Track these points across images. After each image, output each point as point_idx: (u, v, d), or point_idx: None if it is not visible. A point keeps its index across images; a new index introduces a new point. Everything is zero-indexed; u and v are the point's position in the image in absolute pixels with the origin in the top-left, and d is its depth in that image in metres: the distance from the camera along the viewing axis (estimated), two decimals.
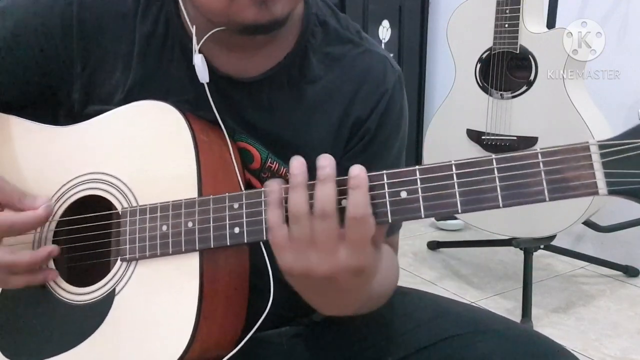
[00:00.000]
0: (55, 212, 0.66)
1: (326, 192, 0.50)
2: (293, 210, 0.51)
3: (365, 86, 0.72)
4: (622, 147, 0.44)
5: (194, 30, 0.65)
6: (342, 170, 0.72)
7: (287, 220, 0.52)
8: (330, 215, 0.50)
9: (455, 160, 0.49)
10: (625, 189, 0.44)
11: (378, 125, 0.73)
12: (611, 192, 0.45)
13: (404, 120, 0.77)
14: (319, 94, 0.71)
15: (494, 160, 0.48)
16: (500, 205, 0.48)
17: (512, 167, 0.47)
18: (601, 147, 0.45)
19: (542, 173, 0.47)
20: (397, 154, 0.76)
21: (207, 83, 0.66)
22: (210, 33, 0.64)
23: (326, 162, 0.51)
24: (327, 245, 0.51)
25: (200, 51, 0.65)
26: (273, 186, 0.52)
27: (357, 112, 0.72)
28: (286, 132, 0.70)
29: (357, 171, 0.50)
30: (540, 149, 0.47)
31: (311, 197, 0.51)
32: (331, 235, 0.50)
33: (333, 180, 0.51)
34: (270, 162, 0.70)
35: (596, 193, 0.45)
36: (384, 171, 0.51)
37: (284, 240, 0.52)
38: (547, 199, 0.46)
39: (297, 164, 0.52)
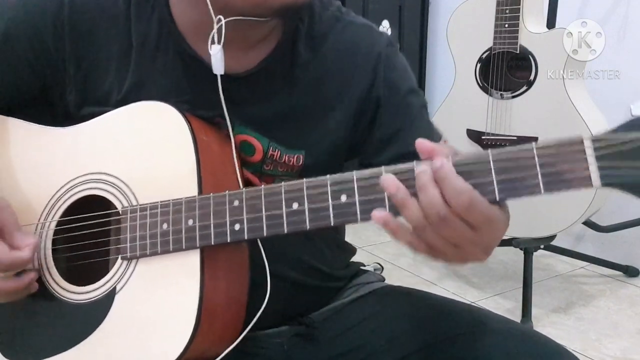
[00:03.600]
0: (56, 212, 0.67)
1: (431, 196, 0.49)
2: (416, 225, 0.50)
3: (358, 57, 0.73)
4: (615, 141, 0.45)
5: (215, 20, 0.64)
6: (376, 142, 0.72)
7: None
8: (449, 217, 0.50)
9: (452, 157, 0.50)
10: (618, 181, 0.46)
11: (386, 89, 0.73)
12: (605, 185, 0.46)
13: (409, 74, 0.77)
14: (312, 76, 0.72)
15: (490, 155, 0.49)
16: (497, 198, 0.49)
17: (508, 162, 0.48)
18: (594, 141, 0.46)
19: (538, 167, 0.47)
20: (419, 109, 0.76)
21: (208, 71, 0.65)
22: (227, 19, 0.63)
23: (443, 161, 0.49)
24: (463, 239, 0.50)
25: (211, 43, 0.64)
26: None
27: (359, 85, 0.72)
28: (285, 118, 0.71)
29: (439, 163, 0.49)
30: (536, 143, 0.48)
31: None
32: (463, 231, 0.50)
33: (433, 182, 0.49)
34: (272, 151, 0.71)
35: (590, 186, 0.46)
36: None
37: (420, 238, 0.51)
38: (543, 192, 0.48)
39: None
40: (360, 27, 0.75)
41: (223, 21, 0.63)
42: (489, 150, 0.49)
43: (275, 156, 0.71)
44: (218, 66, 0.64)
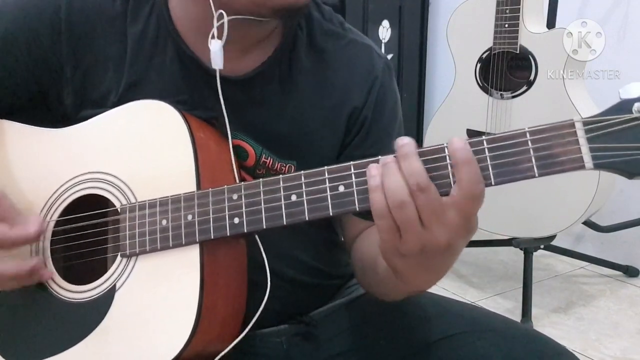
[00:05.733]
0: (54, 212, 0.67)
1: (413, 165, 0.49)
2: (393, 195, 0.49)
3: (355, 77, 0.73)
4: (606, 123, 0.47)
5: (216, 15, 0.64)
6: (349, 161, 0.73)
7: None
8: (427, 186, 0.49)
9: (446, 144, 0.50)
10: (610, 162, 0.47)
11: (374, 113, 0.73)
12: (597, 166, 0.47)
13: (398, 106, 0.78)
14: (309, 85, 0.72)
15: (484, 141, 0.50)
16: (493, 183, 0.49)
17: (502, 147, 0.49)
18: (585, 123, 0.48)
19: (531, 150, 0.48)
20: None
21: (204, 73, 0.66)
22: (229, 18, 0.63)
23: (406, 140, 0.50)
24: (434, 216, 0.49)
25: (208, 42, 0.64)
26: (374, 170, 0.51)
27: (352, 101, 0.73)
28: (279, 125, 0.71)
29: (461, 144, 0.49)
30: (528, 127, 0.49)
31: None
32: (434, 205, 0.49)
33: (415, 154, 0.50)
34: (264, 158, 0.71)
35: (583, 167, 0.47)
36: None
37: (395, 225, 0.50)
38: (537, 174, 0.48)
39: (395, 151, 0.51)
40: (361, 46, 0.76)
41: (225, 18, 0.63)
42: (483, 137, 0.50)
43: (267, 163, 0.71)
44: (217, 61, 0.65)
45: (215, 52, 0.64)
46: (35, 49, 0.68)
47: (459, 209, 0.49)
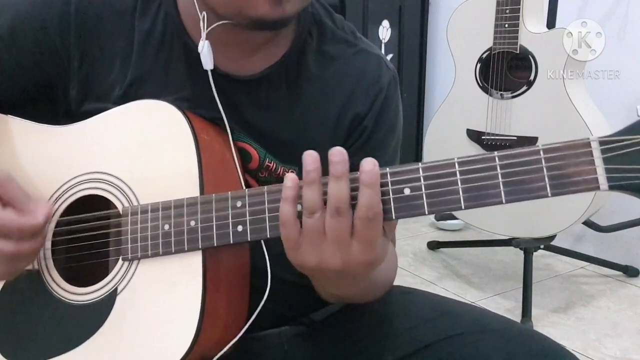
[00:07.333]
0: (55, 212, 0.66)
1: (340, 189, 0.51)
2: (308, 206, 0.52)
3: (361, 85, 0.73)
4: (623, 143, 0.45)
5: (202, 17, 0.64)
6: None
7: (299, 215, 0.53)
8: (344, 212, 0.51)
9: (458, 158, 0.50)
10: (626, 184, 0.45)
11: (374, 124, 0.73)
12: (612, 188, 0.46)
13: (399, 119, 0.78)
14: (316, 92, 0.72)
15: (496, 157, 0.48)
16: (503, 201, 0.48)
17: (514, 164, 0.48)
18: (602, 143, 0.46)
19: (544, 169, 0.47)
20: (392, 152, 0.77)
21: (210, 71, 0.66)
22: (215, 25, 0.64)
23: (339, 158, 0.51)
24: (339, 240, 0.52)
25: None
26: (289, 182, 0.53)
27: (354, 109, 0.72)
28: (284, 131, 0.71)
29: (371, 166, 0.51)
30: (542, 145, 0.47)
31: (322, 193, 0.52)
32: (344, 231, 0.51)
33: (347, 177, 0.51)
34: (267, 162, 0.71)
35: (597, 188, 0.46)
36: (387, 168, 0.52)
37: (297, 236, 0.53)
38: (550, 194, 0.47)
39: (310, 159, 0.52)
40: (371, 56, 0.76)
41: (202, 16, 0.64)
42: (495, 152, 0.49)
43: (271, 167, 0.71)
44: (207, 61, 0.65)
45: (204, 53, 0.65)
46: (43, 42, 0.68)
47: (355, 232, 0.51)
